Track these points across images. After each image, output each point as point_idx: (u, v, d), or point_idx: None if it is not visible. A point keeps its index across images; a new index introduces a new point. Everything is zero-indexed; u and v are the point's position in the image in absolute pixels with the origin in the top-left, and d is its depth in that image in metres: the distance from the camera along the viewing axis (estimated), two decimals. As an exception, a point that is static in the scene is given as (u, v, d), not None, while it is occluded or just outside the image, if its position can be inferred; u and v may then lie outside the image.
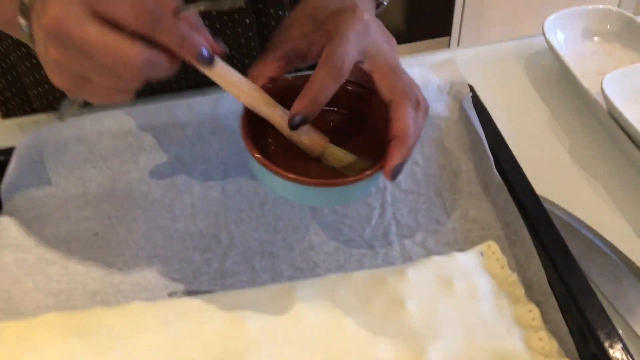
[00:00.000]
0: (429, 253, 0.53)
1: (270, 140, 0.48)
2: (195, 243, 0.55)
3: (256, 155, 0.44)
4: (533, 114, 0.67)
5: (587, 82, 0.65)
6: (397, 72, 0.46)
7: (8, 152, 0.59)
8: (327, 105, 0.44)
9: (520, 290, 0.50)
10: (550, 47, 0.68)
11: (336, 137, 0.48)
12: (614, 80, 0.60)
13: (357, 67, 0.46)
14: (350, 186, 0.44)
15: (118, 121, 0.60)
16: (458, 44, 1.95)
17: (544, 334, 0.46)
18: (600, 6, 0.71)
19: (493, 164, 0.56)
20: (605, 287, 0.51)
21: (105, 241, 0.56)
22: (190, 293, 0.51)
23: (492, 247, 0.53)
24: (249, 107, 0.45)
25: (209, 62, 0.41)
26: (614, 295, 0.51)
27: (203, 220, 0.57)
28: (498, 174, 0.55)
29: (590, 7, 0.72)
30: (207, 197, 0.58)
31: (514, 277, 0.51)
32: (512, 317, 0.48)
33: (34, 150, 0.59)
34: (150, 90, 0.72)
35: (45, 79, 0.69)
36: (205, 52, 0.40)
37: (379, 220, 0.56)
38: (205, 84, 0.70)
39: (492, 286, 0.49)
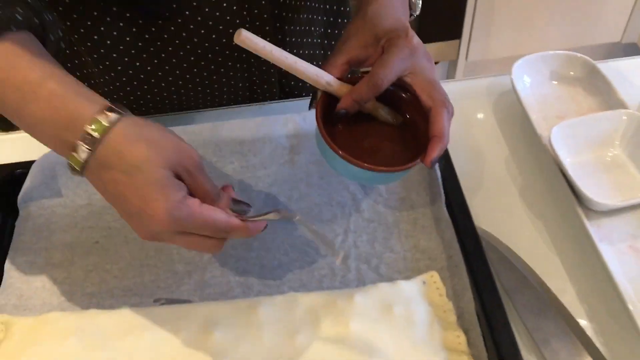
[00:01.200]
0: (381, 278, 0.61)
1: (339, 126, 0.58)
2: (181, 256, 0.64)
3: (326, 136, 0.54)
4: (493, 151, 0.74)
5: (548, 124, 0.72)
6: (434, 84, 0.56)
7: (27, 165, 0.69)
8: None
9: (452, 317, 0.58)
10: (515, 90, 0.74)
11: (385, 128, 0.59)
12: (562, 130, 0.67)
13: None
14: (394, 173, 0.56)
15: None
16: (468, 47, 1.99)
17: (465, 358, 0.55)
18: (565, 52, 0.77)
19: (444, 202, 0.64)
20: (528, 319, 0.59)
21: (104, 249, 0.65)
22: (172, 301, 0.60)
23: (434, 277, 0.60)
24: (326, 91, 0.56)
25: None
26: (535, 327, 0.58)
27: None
28: (447, 212, 0.63)
29: (557, 52, 0.77)
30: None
31: (449, 305, 0.58)
32: (440, 341, 0.56)
33: (48, 166, 0.68)
34: (154, 108, 0.80)
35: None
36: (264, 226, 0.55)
37: (341, 245, 0.64)
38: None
39: (428, 313, 0.57)
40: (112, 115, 0.47)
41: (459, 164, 0.67)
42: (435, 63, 0.71)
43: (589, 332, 0.57)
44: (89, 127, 0.46)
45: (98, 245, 0.65)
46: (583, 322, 0.58)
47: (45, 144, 0.49)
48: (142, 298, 0.61)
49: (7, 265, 0.64)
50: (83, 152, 0.46)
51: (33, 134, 0.49)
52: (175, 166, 0.48)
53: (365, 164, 0.53)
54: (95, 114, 0.47)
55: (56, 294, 0.62)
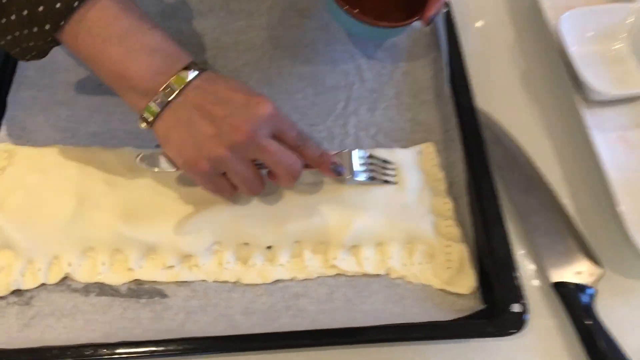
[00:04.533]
0: (378, 145, 0.63)
1: None
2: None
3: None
4: (499, 35, 0.74)
5: (556, 13, 0.71)
6: None
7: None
8: None
9: (443, 186, 0.60)
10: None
11: None
12: (572, 18, 0.67)
13: None
14: (393, 29, 0.62)
15: None
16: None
17: (451, 222, 0.58)
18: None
19: (448, 77, 0.65)
20: (515, 194, 0.61)
21: (108, 92, 0.65)
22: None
23: (429, 148, 0.62)
24: None
25: (340, 173, 0.55)
26: (520, 202, 0.61)
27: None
28: (449, 88, 0.64)
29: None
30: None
31: (441, 174, 0.61)
32: (429, 206, 0.58)
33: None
34: None
35: None
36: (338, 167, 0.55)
37: (342, 111, 0.66)
38: None
39: (420, 180, 0.60)
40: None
41: (465, 43, 0.67)
42: None
43: (571, 210, 0.61)
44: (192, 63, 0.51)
45: (102, 88, 0.66)
46: (566, 201, 0.62)
47: (136, 75, 0.50)
48: (145, 142, 0.62)
49: (10, 98, 0.64)
50: (191, 74, 0.50)
51: (132, 61, 0.49)
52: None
53: (366, 18, 0.59)
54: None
55: (59, 130, 0.63)
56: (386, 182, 0.58)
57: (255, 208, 0.56)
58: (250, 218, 0.56)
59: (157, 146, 0.53)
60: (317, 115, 0.65)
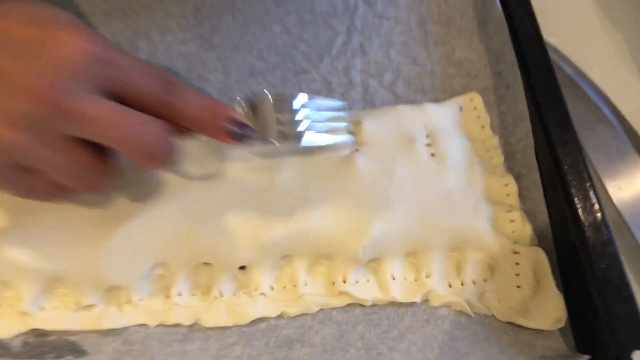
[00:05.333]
0: (397, 99, 0.43)
1: None
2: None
3: None
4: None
5: None
6: None
7: None
8: None
9: (499, 158, 0.40)
10: None
11: None
12: None
13: None
14: None
15: None
16: None
17: (517, 215, 0.38)
18: None
19: (497, -9, 0.44)
20: (600, 163, 0.42)
21: None
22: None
23: (474, 101, 0.42)
24: None
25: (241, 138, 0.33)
26: (608, 173, 0.42)
27: (117, 21, 0.44)
28: (501, 8, 0.43)
29: None
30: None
31: (494, 140, 0.41)
32: (482, 191, 0.39)
33: None
34: None
35: None
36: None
37: (341, 49, 0.45)
38: None
39: (466, 150, 0.40)
40: None
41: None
42: None
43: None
44: None
45: None
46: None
47: None
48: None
49: None
50: None
51: None
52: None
53: None
54: None
55: None
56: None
57: (217, 208, 0.36)
58: (210, 224, 0.36)
59: None
60: (304, 56, 0.44)
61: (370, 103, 0.43)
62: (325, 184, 0.37)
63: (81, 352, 0.35)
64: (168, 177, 0.36)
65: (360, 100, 0.43)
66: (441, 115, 0.41)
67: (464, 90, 0.43)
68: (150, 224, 0.35)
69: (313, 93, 0.43)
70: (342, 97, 0.43)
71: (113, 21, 0.44)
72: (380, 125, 0.39)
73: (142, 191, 0.36)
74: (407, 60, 0.44)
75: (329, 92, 0.43)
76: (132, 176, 0.36)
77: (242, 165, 0.37)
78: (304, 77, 0.44)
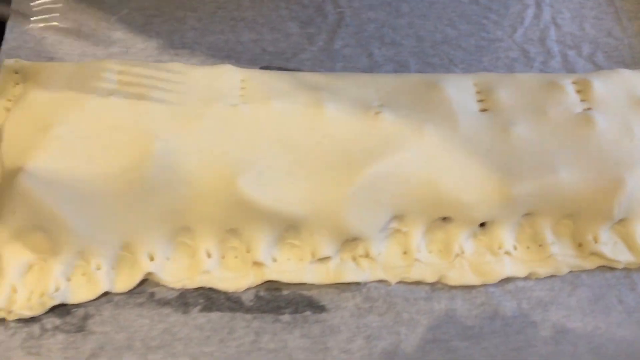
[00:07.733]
0: (598, 69, 0.41)
1: None
2: (293, 12, 0.42)
3: None
4: None
5: None
6: None
7: None
8: None
9: None
10: None
11: None
12: None
13: None
14: None
15: None
16: None
17: None
18: None
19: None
20: None
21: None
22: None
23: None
24: None
25: None
26: None
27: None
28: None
29: None
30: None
31: None
32: None
33: None
34: None
35: None
36: None
37: (533, 21, 0.43)
38: None
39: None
40: None
41: None
42: None
43: None
44: None
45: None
46: None
47: None
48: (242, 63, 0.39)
49: None
50: None
51: None
52: None
53: None
54: None
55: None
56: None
57: (457, 160, 0.33)
58: (452, 175, 0.33)
59: None
60: (497, 26, 0.43)
61: (571, 72, 0.41)
62: (564, 140, 0.35)
63: (320, 307, 0.31)
64: (406, 127, 0.34)
65: (561, 69, 0.41)
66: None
67: (665, 64, 0.42)
68: (390, 170, 0.32)
69: (511, 61, 0.41)
70: (542, 66, 0.41)
71: None
72: (608, 86, 0.37)
73: (381, 133, 0.33)
74: (602, 33, 0.43)
75: (527, 61, 0.41)
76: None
77: (474, 119, 0.35)
78: (499, 45, 0.42)
